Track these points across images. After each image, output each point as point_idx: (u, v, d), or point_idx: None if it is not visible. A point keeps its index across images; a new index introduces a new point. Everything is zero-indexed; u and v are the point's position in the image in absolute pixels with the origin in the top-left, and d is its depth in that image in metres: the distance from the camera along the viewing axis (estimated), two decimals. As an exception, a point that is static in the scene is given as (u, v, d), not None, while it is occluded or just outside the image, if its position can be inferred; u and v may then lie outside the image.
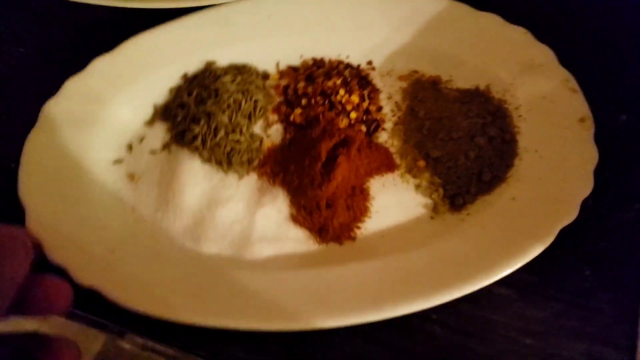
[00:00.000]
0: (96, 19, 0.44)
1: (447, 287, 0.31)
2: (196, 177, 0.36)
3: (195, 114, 0.37)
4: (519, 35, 0.40)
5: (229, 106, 0.37)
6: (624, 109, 0.39)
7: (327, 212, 0.35)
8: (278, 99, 0.40)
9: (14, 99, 0.41)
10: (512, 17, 0.40)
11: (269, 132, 0.39)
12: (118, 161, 0.37)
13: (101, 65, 0.38)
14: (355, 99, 0.38)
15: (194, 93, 0.38)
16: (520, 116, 0.39)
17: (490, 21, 0.40)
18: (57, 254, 0.30)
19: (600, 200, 0.35)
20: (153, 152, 0.37)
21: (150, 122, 0.38)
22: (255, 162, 0.37)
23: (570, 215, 0.33)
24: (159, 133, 0.38)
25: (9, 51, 0.43)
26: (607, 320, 0.31)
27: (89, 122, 0.37)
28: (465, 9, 0.41)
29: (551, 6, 0.45)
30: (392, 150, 0.38)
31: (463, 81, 0.41)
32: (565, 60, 0.39)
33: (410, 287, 0.31)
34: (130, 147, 0.37)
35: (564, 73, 0.38)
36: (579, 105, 0.37)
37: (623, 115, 0.39)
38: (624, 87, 0.41)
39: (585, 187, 0.34)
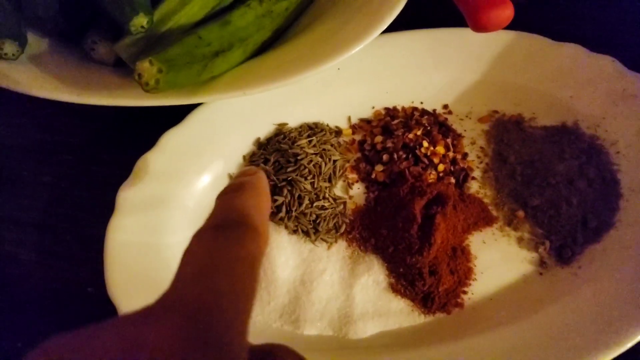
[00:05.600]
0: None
1: (579, 357, 0.28)
2: (285, 250, 0.34)
3: (276, 183, 0.35)
4: (607, 65, 0.37)
5: (310, 172, 0.35)
6: None
7: (430, 280, 0.32)
8: (354, 156, 0.38)
9: (85, 187, 0.39)
10: (595, 46, 0.38)
11: (351, 193, 0.37)
12: (200, 240, 0.35)
13: (171, 140, 0.36)
14: (440, 149, 0.36)
15: (272, 160, 0.36)
16: (618, 152, 0.36)
17: (573, 52, 0.38)
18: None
19: None
20: (235, 227, 0.35)
21: (227, 194, 0.36)
22: (342, 228, 0.35)
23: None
24: (238, 205, 0.36)
25: (71, 134, 0.42)
26: None
27: (166, 202, 0.35)
28: (544, 41, 0.38)
29: (634, 33, 0.42)
30: (486, 201, 0.36)
31: (548, 118, 0.38)
32: (661, 88, 0.36)
33: (539, 360, 0.29)
34: (209, 224, 0.35)
35: (662, 102, 0.36)
36: (684, 136, 0.35)
37: None
38: None
39: None
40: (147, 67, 0.31)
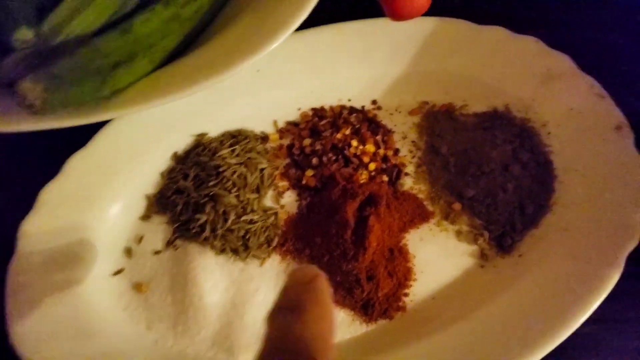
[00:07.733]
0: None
1: (528, 346, 0.27)
2: (213, 273, 0.31)
3: (197, 199, 0.32)
4: (531, 46, 0.36)
5: (234, 184, 0.33)
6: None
7: (369, 286, 0.31)
8: (284, 162, 0.36)
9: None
10: (518, 27, 0.37)
11: (282, 202, 0.34)
12: (118, 271, 0.32)
13: (77, 165, 0.32)
14: (370, 147, 0.34)
15: (191, 175, 0.33)
16: (549, 133, 0.35)
17: (497, 35, 0.37)
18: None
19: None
20: (156, 252, 0.32)
21: (146, 217, 0.33)
22: (275, 241, 0.33)
23: (634, 238, 0.30)
24: (159, 228, 0.33)
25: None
26: None
27: (75, 233, 0.31)
28: (467, 25, 0.37)
29: (556, 11, 0.42)
30: (421, 196, 0.34)
31: (479, 104, 0.37)
32: (584, 65, 0.36)
33: (484, 356, 0.28)
34: (129, 252, 0.32)
35: (587, 80, 0.35)
36: (610, 111, 0.34)
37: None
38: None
39: (641, 203, 0.31)
40: (29, 87, 0.27)
